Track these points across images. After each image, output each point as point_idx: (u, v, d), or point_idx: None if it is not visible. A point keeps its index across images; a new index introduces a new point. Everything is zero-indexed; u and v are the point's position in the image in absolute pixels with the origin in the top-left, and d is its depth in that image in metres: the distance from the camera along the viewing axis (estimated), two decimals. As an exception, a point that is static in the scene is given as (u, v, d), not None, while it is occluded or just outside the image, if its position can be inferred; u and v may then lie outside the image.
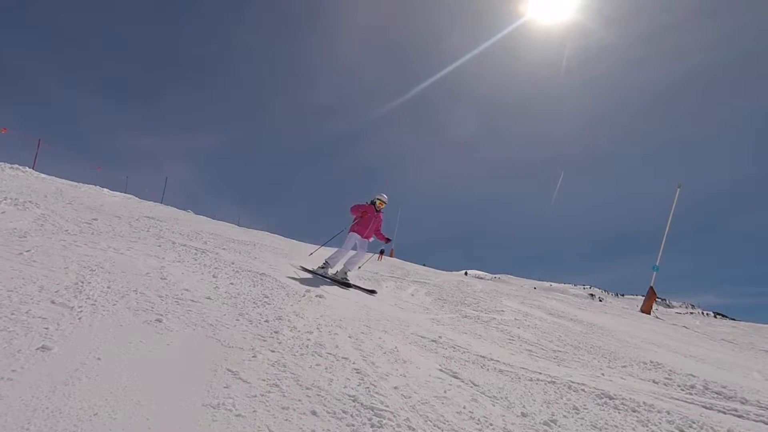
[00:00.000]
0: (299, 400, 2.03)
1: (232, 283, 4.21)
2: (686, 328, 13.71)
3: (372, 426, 1.93)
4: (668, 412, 3.16)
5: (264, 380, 2.18)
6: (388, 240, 7.58)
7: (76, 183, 13.17)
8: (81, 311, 2.57)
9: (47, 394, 1.65)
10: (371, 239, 7.31)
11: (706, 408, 3.67)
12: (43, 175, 12.40)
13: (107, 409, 1.66)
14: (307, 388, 2.17)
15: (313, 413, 1.94)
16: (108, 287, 3.09)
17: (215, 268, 4.87)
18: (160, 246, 5.29)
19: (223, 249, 6.82)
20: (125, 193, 15.34)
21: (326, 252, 8.07)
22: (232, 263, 5.56)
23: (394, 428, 1.94)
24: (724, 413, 3.59)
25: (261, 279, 4.92)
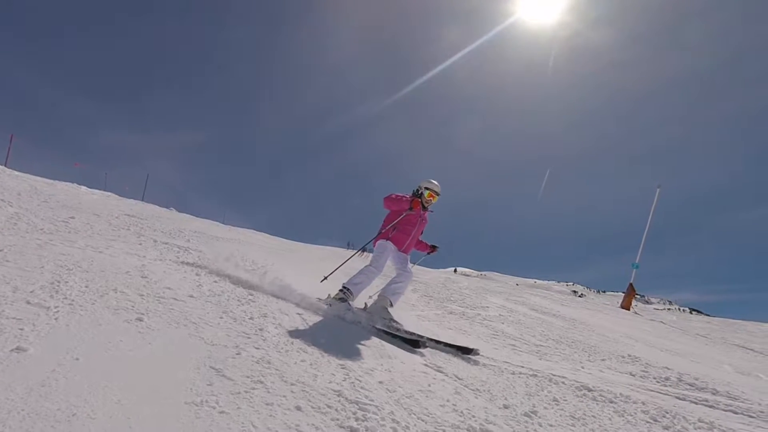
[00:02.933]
0: (284, 396, 2.03)
1: (215, 281, 4.16)
2: (663, 323, 14.18)
3: (357, 420, 1.94)
4: (643, 403, 3.28)
5: (248, 377, 2.17)
6: (433, 249, 4.83)
7: (52, 180, 12.75)
8: (57, 311, 2.50)
9: (23, 396, 1.61)
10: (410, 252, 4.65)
11: (680, 399, 3.82)
12: (16, 173, 11.96)
13: (86, 410, 1.63)
14: (292, 384, 2.18)
15: (298, 408, 1.94)
16: (86, 286, 3.02)
17: (198, 266, 4.80)
18: (140, 244, 5.19)
19: (207, 246, 6.72)
20: (104, 190, 14.92)
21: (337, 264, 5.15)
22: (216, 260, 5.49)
23: (378, 421, 1.96)
24: (696, 404, 3.74)
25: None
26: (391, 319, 4.08)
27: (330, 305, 4.18)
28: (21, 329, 2.13)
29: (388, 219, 4.59)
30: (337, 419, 1.91)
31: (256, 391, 2.02)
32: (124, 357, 2.13)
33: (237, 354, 2.45)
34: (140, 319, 2.63)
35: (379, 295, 4.36)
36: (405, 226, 4.46)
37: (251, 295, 3.99)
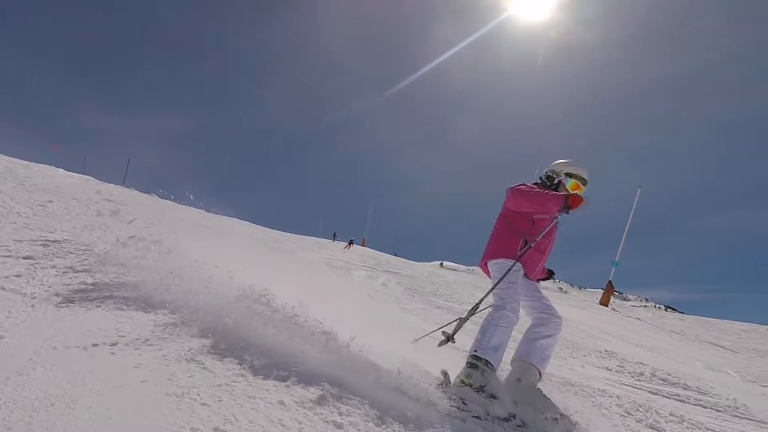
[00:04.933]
0: (266, 390, 2.03)
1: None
2: (639, 320, 14.64)
3: (340, 415, 1.95)
4: (618, 397, 3.39)
5: (230, 370, 2.15)
6: (550, 275, 3.13)
7: (27, 162, 12.32)
8: (34, 298, 2.44)
9: (-2, 385, 1.57)
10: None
11: (653, 393, 3.97)
12: (-10, 155, 11.52)
13: (65, 399, 1.60)
14: (275, 380, 2.17)
15: (281, 403, 1.94)
16: (64, 273, 2.94)
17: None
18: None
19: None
20: (84, 174, 14.50)
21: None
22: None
23: (361, 416, 1.98)
24: (668, 398, 3.90)
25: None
26: (560, 414, 2.40)
27: (462, 403, 2.33)
28: (-5, 317, 2.07)
29: (512, 224, 2.84)
30: (321, 414, 1.92)
31: (238, 384, 2.01)
32: (104, 347, 2.09)
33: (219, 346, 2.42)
34: (120, 309, 2.58)
35: (516, 362, 2.75)
36: (544, 239, 2.78)
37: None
